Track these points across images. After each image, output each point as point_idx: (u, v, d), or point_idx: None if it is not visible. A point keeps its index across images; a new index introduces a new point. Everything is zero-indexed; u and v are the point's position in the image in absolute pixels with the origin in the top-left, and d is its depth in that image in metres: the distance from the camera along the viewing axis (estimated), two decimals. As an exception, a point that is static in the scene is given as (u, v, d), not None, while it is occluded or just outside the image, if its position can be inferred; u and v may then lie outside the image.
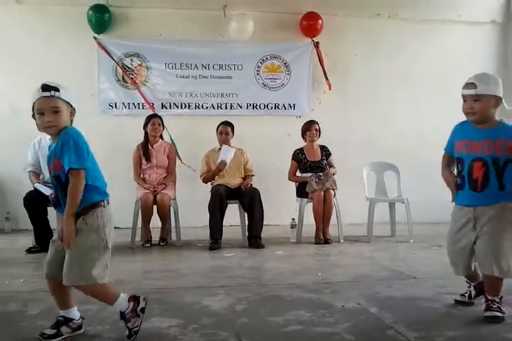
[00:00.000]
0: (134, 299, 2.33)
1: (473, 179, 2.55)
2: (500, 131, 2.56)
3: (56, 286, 2.25)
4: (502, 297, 2.58)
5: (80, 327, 2.32)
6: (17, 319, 2.57)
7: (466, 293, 2.82)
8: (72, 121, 2.35)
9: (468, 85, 2.55)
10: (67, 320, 2.27)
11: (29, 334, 2.29)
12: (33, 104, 2.26)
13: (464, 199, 2.61)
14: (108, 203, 2.32)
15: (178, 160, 5.63)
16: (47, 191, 4.65)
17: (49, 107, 2.22)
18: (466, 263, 2.62)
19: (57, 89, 2.23)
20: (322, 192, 5.15)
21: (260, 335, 2.30)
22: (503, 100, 2.55)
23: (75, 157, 2.20)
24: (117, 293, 2.29)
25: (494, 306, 2.52)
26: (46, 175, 4.89)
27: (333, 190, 5.21)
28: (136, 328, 2.28)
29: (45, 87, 2.22)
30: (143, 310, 2.34)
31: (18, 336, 2.31)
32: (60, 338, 2.22)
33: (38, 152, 4.93)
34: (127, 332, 2.27)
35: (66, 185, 2.20)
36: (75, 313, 2.31)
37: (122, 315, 2.27)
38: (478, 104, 2.52)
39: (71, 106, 2.31)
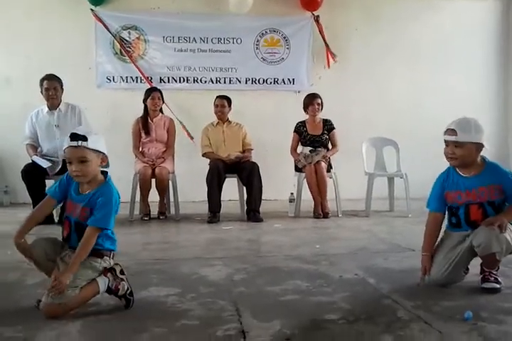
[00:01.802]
0: (109, 270, 2.31)
1: (470, 220, 2.57)
2: (488, 175, 2.55)
3: (34, 260, 2.27)
4: (498, 268, 2.59)
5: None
6: (16, 288, 2.59)
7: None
8: (108, 164, 2.32)
9: (449, 131, 2.52)
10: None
11: (27, 302, 2.29)
12: (64, 150, 2.25)
13: (462, 230, 2.62)
14: (113, 255, 2.35)
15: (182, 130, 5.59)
16: (44, 163, 4.64)
17: (76, 157, 2.19)
18: (460, 270, 2.60)
19: (85, 139, 2.17)
20: (313, 166, 5.13)
21: (257, 304, 2.31)
22: (485, 143, 2.53)
23: (107, 218, 2.24)
24: (95, 285, 2.24)
25: (491, 278, 2.53)
26: (44, 147, 4.87)
27: (324, 162, 5.18)
28: (129, 290, 2.29)
29: (73, 136, 2.18)
30: (122, 271, 2.34)
31: (16, 304, 2.32)
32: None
33: (35, 124, 4.90)
34: (124, 302, 2.28)
35: (82, 230, 2.22)
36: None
37: (109, 289, 2.27)
38: (459, 150, 2.50)
39: (102, 153, 2.27)
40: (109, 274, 2.30)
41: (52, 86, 4.78)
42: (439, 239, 2.72)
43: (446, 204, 2.66)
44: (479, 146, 2.52)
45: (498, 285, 2.49)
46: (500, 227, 2.39)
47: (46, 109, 4.87)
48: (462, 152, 2.50)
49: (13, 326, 2.01)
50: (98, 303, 2.30)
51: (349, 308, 2.24)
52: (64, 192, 2.33)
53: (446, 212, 2.69)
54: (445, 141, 2.57)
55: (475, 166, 2.58)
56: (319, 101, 5.44)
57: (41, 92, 4.81)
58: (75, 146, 2.18)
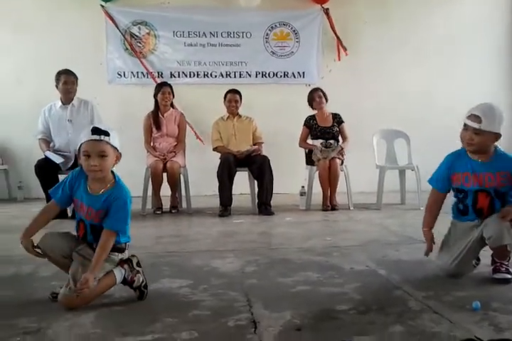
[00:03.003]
0: (125, 261, 2.35)
1: (477, 208, 2.57)
2: (497, 162, 2.54)
3: (49, 256, 2.29)
4: (510, 258, 2.58)
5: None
6: (30, 280, 2.63)
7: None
8: (114, 165, 2.31)
9: (473, 117, 2.47)
10: (77, 280, 2.29)
11: (41, 294, 2.33)
12: (80, 144, 2.21)
13: (469, 218, 2.62)
14: (128, 246, 2.38)
15: (191, 131, 5.62)
16: (57, 159, 4.69)
17: (96, 151, 2.17)
18: (470, 261, 2.61)
19: (107, 134, 2.18)
20: (327, 161, 5.13)
21: (269, 295, 2.32)
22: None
23: (124, 221, 2.26)
24: (112, 276, 2.27)
25: (503, 268, 2.53)
26: (56, 142, 4.91)
27: (339, 158, 5.19)
28: (144, 282, 2.32)
29: (96, 130, 2.17)
30: (138, 263, 2.38)
31: (30, 296, 2.35)
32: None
33: (48, 119, 4.94)
34: (138, 293, 2.31)
35: (97, 231, 2.24)
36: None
37: (124, 280, 2.30)
38: (479, 137, 2.47)
39: (117, 151, 2.27)
40: (125, 265, 2.33)
41: (69, 80, 4.85)
42: (446, 231, 2.72)
43: (452, 186, 2.65)
44: (498, 136, 2.50)
45: (509, 276, 2.49)
46: None
47: (59, 103, 4.91)
48: (481, 140, 2.47)
49: (28, 317, 2.04)
50: (111, 295, 2.33)
51: (360, 299, 2.25)
52: (69, 197, 2.31)
53: (454, 199, 2.69)
54: (465, 125, 2.52)
55: (487, 154, 2.56)
56: (320, 93, 5.44)
57: (56, 87, 4.86)
58: (97, 140, 2.16)
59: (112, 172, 2.31)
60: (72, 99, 4.90)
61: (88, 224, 2.28)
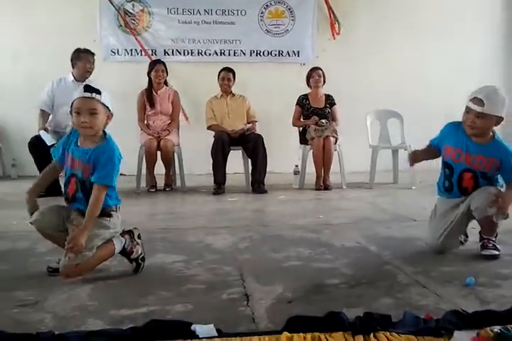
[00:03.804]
0: (127, 232, 2.40)
1: (462, 187, 2.62)
2: (492, 148, 2.56)
3: (46, 234, 2.34)
4: (497, 235, 2.64)
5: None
6: (27, 255, 2.66)
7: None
8: (106, 125, 2.35)
9: (476, 101, 2.47)
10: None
11: (38, 268, 2.38)
12: (72, 102, 2.25)
13: (452, 196, 2.68)
14: (119, 208, 2.40)
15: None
16: (49, 141, 4.64)
17: (87, 108, 2.22)
18: (457, 234, 2.67)
19: (98, 92, 2.23)
20: (321, 140, 5.15)
21: (261, 269, 2.37)
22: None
23: (111, 175, 2.27)
24: (111, 245, 2.31)
25: (490, 244, 2.58)
26: (57, 116, 4.86)
27: (334, 137, 5.21)
28: (142, 255, 2.37)
29: (87, 88, 2.22)
30: (139, 236, 2.43)
31: (27, 270, 2.39)
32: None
33: (55, 91, 4.90)
34: (134, 265, 2.35)
35: (87, 187, 2.26)
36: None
37: (123, 251, 2.34)
38: (481, 121, 2.48)
39: (109, 110, 2.30)
40: (126, 236, 2.37)
41: (90, 60, 4.93)
42: (433, 206, 2.77)
43: (442, 158, 2.71)
44: (500, 120, 2.52)
45: (496, 252, 2.55)
46: (502, 210, 2.42)
47: (71, 78, 4.90)
48: (483, 123, 2.49)
49: (25, 290, 2.08)
50: (107, 269, 2.38)
51: (350, 274, 2.30)
52: (62, 149, 2.35)
53: (441, 174, 2.74)
54: (467, 108, 2.53)
55: (486, 138, 2.58)
56: (320, 73, 5.45)
57: (73, 64, 4.89)
58: (88, 97, 2.22)
59: (104, 132, 2.35)
60: (87, 78, 4.90)
61: (79, 178, 2.28)
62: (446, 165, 2.68)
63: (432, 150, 2.77)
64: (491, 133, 2.59)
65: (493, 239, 2.61)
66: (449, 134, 2.67)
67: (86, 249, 2.17)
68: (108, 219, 2.32)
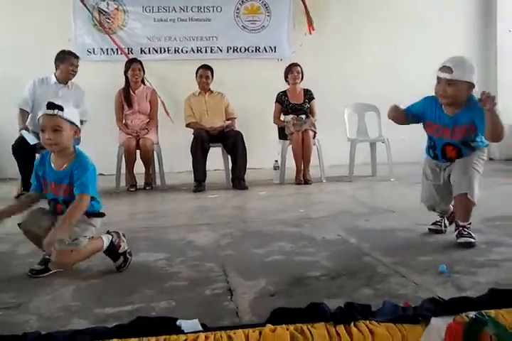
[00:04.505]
0: (113, 231, 2.47)
1: (447, 157, 2.72)
2: (464, 114, 2.59)
3: (33, 236, 2.36)
4: (471, 223, 2.71)
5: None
6: (9, 258, 2.65)
7: (439, 221, 2.96)
8: (79, 139, 2.40)
9: (444, 69, 2.54)
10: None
11: (20, 270, 2.37)
12: (38, 119, 2.29)
13: (439, 161, 2.80)
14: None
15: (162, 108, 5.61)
16: (32, 140, 4.61)
17: (51, 125, 2.25)
18: (444, 199, 2.81)
19: (61, 108, 2.24)
20: (300, 134, 5.19)
21: (243, 265, 2.40)
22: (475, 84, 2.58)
23: (90, 185, 2.29)
24: (100, 240, 2.37)
25: (465, 232, 2.65)
26: (36, 120, 4.83)
27: (312, 130, 5.25)
28: (129, 250, 2.43)
29: (50, 105, 2.24)
30: (124, 235, 2.49)
31: (9, 272, 2.39)
32: (48, 273, 2.31)
33: (36, 90, 4.88)
34: (121, 260, 2.38)
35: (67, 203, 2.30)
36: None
37: (111, 246, 2.38)
38: (451, 88, 2.53)
39: (75, 126, 2.32)
40: (113, 232, 2.44)
41: (75, 63, 4.93)
42: (423, 165, 2.91)
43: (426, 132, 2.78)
44: (470, 86, 2.56)
45: (472, 240, 2.61)
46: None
47: (54, 79, 4.88)
48: (454, 91, 2.53)
49: (8, 292, 2.08)
50: (89, 269, 2.39)
51: (331, 266, 2.35)
52: (40, 177, 2.38)
53: (428, 140, 2.81)
54: (438, 78, 2.58)
55: (460, 105, 2.61)
56: (299, 69, 5.49)
57: (57, 65, 4.88)
58: (51, 115, 2.24)
59: (74, 147, 2.37)
60: (69, 80, 4.92)
61: (61, 201, 2.33)
62: (428, 137, 2.79)
63: (402, 115, 2.76)
64: (467, 100, 2.61)
65: (468, 226, 2.68)
66: (425, 109, 2.72)
67: (80, 236, 2.25)
68: (95, 219, 2.38)
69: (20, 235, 3.03)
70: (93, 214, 2.38)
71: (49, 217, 2.37)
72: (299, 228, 3.16)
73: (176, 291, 2.06)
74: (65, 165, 2.32)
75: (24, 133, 4.67)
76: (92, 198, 2.33)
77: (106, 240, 2.38)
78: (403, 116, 2.75)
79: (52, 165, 2.34)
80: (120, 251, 2.39)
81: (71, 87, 4.97)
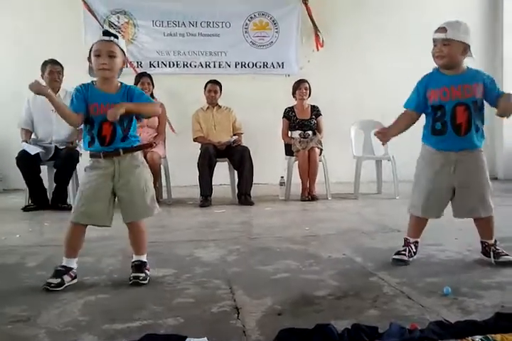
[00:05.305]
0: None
1: (456, 124, 2.60)
2: (470, 75, 2.64)
3: (83, 232, 2.43)
4: (496, 241, 2.72)
5: (76, 276, 2.43)
6: (17, 270, 2.67)
7: (405, 250, 2.77)
8: (121, 70, 2.47)
9: (439, 29, 2.60)
10: (67, 269, 2.37)
11: (31, 283, 2.40)
12: (92, 46, 2.36)
13: (444, 144, 2.65)
14: None
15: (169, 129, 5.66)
16: (33, 150, 4.66)
17: (106, 51, 2.33)
18: (442, 206, 2.71)
19: (116, 36, 2.36)
20: (306, 151, 5.23)
21: (250, 282, 2.41)
22: (471, 50, 2.61)
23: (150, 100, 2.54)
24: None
25: (499, 250, 2.67)
26: (39, 132, 4.91)
27: (318, 148, 5.29)
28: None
29: (106, 32, 2.37)
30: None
31: (20, 284, 2.41)
32: (64, 286, 2.33)
33: (32, 108, 4.94)
34: (142, 276, 2.41)
35: (124, 125, 2.41)
36: (75, 263, 2.42)
37: (145, 264, 2.48)
38: (447, 48, 2.57)
39: (124, 55, 2.42)
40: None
41: (56, 69, 4.90)
42: (420, 161, 2.79)
43: (428, 104, 2.67)
44: (466, 47, 2.59)
45: (511, 257, 2.63)
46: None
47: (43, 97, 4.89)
48: (450, 50, 2.57)
49: (18, 306, 2.10)
50: (97, 284, 2.41)
51: (337, 285, 2.36)
52: (84, 102, 2.39)
53: (429, 119, 2.71)
54: (434, 41, 2.62)
55: (459, 69, 2.64)
56: (307, 85, 5.55)
57: (42, 76, 4.86)
58: (107, 40, 2.33)
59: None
60: (59, 89, 4.89)
61: (116, 121, 2.35)
62: (435, 108, 2.65)
63: (407, 116, 2.75)
64: (464, 66, 2.65)
65: (497, 242, 2.71)
66: (427, 82, 2.69)
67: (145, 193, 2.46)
68: (140, 156, 2.50)
69: (27, 247, 3.10)
70: (139, 147, 2.49)
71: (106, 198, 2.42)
72: (305, 246, 3.18)
73: (183, 308, 2.07)
74: (116, 89, 2.40)
75: (25, 145, 4.74)
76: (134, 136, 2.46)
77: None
78: (407, 117, 2.75)
79: (102, 91, 2.39)
80: (147, 272, 2.47)
81: (64, 96, 4.77)
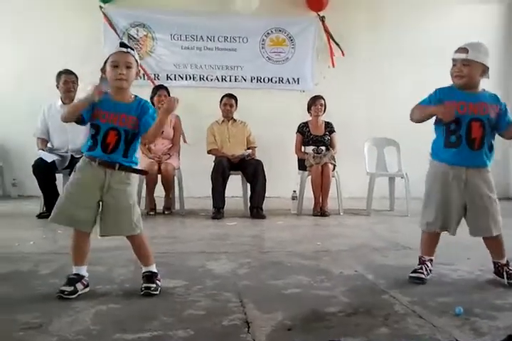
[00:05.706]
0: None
1: (471, 138, 2.62)
2: (487, 96, 2.68)
3: (87, 238, 2.44)
4: (508, 262, 2.71)
5: (88, 284, 2.44)
6: (30, 277, 2.69)
7: (421, 268, 2.75)
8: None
9: (460, 50, 2.62)
10: (80, 277, 2.39)
11: (43, 290, 2.42)
12: (108, 57, 2.42)
13: (457, 158, 2.64)
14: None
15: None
16: (49, 158, 4.73)
17: (124, 61, 2.40)
18: (454, 219, 2.69)
19: (132, 49, 2.45)
20: (320, 167, 5.24)
21: (261, 296, 2.41)
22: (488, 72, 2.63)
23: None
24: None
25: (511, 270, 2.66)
26: (54, 141, 4.97)
27: (332, 164, 5.30)
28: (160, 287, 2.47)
29: (123, 44, 2.45)
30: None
31: (33, 292, 2.43)
32: (77, 294, 2.34)
33: (47, 118, 5.00)
34: (153, 286, 2.42)
35: (128, 138, 2.43)
36: (85, 271, 2.44)
37: (156, 275, 2.50)
38: (467, 68, 2.59)
39: (138, 67, 2.50)
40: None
41: (71, 79, 4.96)
42: (428, 176, 2.79)
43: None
44: (485, 69, 2.61)
45: None
46: None
47: (59, 102, 4.98)
48: (469, 71, 2.58)
49: (31, 313, 2.12)
50: (109, 293, 2.42)
51: (348, 302, 2.35)
52: (92, 110, 2.42)
53: (440, 133, 2.72)
54: (453, 60, 2.64)
55: (476, 89, 2.66)
56: (322, 102, 5.57)
57: (57, 86, 4.95)
58: (125, 52, 2.40)
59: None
60: (73, 99, 4.95)
61: (122, 130, 2.40)
62: (446, 125, 2.66)
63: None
64: (480, 88, 2.67)
65: (510, 263, 2.69)
66: (445, 94, 2.68)
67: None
68: (133, 175, 2.49)
69: (40, 255, 3.12)
70: (134, 169, 2.50)
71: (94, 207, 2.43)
72: (316, 261, 3.17)
73: (193, 320, 2.08)
74: (129, 100, 2.45)
75: (41, 153, 4.80)
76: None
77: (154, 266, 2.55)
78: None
79: (113, 99, 2.44)
80: (158, 283, 2.47)
81: None
